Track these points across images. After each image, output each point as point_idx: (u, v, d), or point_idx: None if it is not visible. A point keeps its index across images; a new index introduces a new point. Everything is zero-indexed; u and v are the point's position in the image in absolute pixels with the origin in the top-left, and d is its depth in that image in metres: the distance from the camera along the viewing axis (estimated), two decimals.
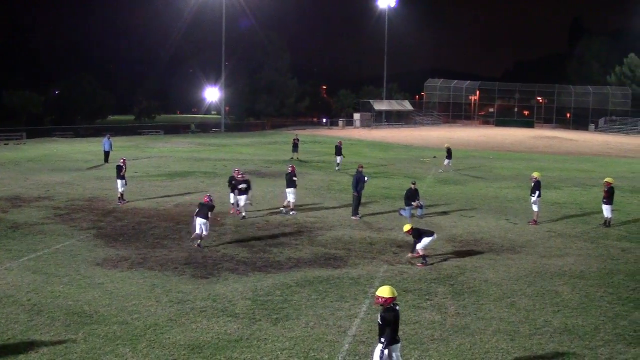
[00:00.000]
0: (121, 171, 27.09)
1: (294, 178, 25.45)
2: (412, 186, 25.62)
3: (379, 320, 9.91)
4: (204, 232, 19.79)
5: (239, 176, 24.89)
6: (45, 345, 11.96)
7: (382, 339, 9.81)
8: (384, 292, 9.96)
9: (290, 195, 25.38)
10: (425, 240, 18.37)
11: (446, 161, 41.57)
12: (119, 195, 27.09)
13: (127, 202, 26.88)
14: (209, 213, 19.90)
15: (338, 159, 42.08)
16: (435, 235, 18.83)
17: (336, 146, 42.93)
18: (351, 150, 54.37)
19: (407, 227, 18.70)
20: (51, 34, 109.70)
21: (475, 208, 27.52)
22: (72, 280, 15.96)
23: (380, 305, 9.97)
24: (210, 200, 20.45)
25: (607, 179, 24.96)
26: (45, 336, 12.40)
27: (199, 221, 19.69)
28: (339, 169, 40.95)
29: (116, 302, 14.41)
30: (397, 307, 10.06)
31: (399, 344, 10.08)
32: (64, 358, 11.44)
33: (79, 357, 11.50)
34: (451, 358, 11.74)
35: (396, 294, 10.07)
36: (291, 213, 25.14)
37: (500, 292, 15.77)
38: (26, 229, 21.56)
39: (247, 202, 24.57)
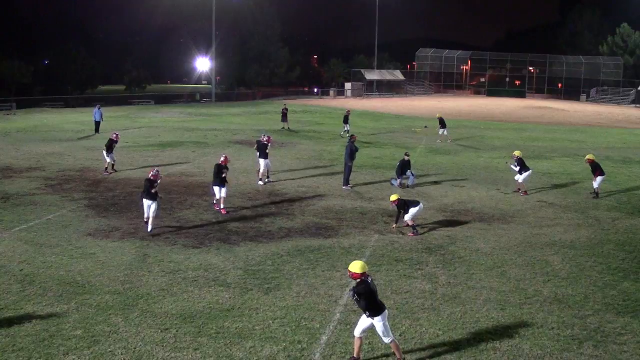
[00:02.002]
0: (111, 144, 26.98)
1: (267, 150, 25.30)
2: (406, 157, 25.59)
3: (355, 295, 10.20)
4: (151, 214, 17.85)
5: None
6: (37, 316, 11.99)
7: (367, 312, 10.14)
8: (355, 267, 10.24)
9: (262, 164, 25.27)
10: (412, 211, 18.40)
11: (441, 131, 41.56)
12: (106, 166, 27.02)
13: (109, 174, 26.75)
14: (154, 191, 17.82)
15: (346, 127, 43.39)
16: (421, 205, 18.88)
17: (345, 115, 44.61)
18: (342, 121, 54.20)
19: (394, 197, 18.74)
20: (39, 3, 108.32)
21: (466, 178, 27.58)
22: (64, 251, 15.95)
23: (353, 279, 10.28)
24: (156, 176, 18.11)
25: (588, 156, 25.00)
26: (38, 306, 12.42)
27: (146, 203, 17.99)
28: (342, 136, 41.97)
29: (108, 272, 14.42)
30: (370, 279, 10.28)
31: (385, 312, 10.27)
32: (56, 328, 11.47)
33: (72, 326, 11.54)
34: (442, 327, 11.84)
35: (367, 268, 10.31)
36: (259, 183, 25.17)
37: (491, 261, 15.87)
38: (17, 200, 21.48)
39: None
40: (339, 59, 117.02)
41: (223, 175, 20.15)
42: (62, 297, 12.93)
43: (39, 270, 14.51)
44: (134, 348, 10.80)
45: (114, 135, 27.94)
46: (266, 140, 25.65)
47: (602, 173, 24.25)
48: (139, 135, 41.18)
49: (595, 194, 24.26)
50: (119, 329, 11.51)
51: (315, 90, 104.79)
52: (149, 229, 17.78)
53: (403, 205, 18.52)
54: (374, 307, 10.19)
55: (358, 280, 10.23)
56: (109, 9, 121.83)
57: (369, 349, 10.94)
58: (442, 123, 41.52)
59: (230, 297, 13.09)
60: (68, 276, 14.14)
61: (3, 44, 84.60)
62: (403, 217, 18.57)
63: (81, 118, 51.90)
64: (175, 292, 13.29)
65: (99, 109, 43.10)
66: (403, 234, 18.29)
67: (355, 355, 10.52)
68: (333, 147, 36.75)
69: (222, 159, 20.78)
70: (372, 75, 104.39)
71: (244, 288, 13.63)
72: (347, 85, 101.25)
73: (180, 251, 16.14)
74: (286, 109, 49.02)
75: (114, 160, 27.34)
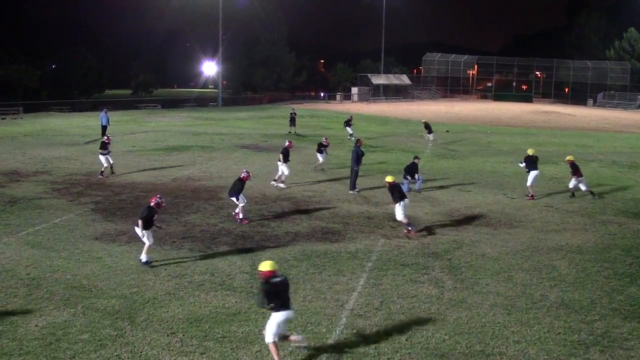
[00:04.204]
0: (105, 147, 27.20)
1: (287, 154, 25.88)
2: (415, 161, 25.48)
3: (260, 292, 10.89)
4: (148, 242, 15.46)
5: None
6: (44, 319, 12.02)
7: (270, 305, 10.60)
8: (263, 267, 10.75)
9: (280, 168, 25.64)
10: (398, 207, 18.72)
11: (428, 136, 42.75)
12: (102, 170, 27.17)
13: (106, 177, 26.88)
14: (140, 222, 15.28)
15: (349, 129, 44.26)
16: (407, 200, 19.16)
17: (347, 120, 45.70)
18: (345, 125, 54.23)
19: (390, 178, 19.33)
20: (47, 7, 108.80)
21: (473, 183, 27.54)
22: (71, 255, 15.99)
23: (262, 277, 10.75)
24: (159, 204, 15.71)
25: (568, 157, 25.23)
26: (44, 310, 12.46)
27: (139, 231, 15.48)
28: (349, 139, 42.60)
29: (115, 276, 14.45)
30: (278, 279, 10.67)
31: (287, 313, 10.60)
32: (63, 332, 11.50)
33: (78, 330, 11.57)
34: (448, 332, 11.82)
35: (276, 267, 10.74)
36: (274, 184, 25.54)
37: (498, 266, 15.84)
38: (24, 204, 21.55)
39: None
40: (346, 64, 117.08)
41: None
42: (68, 301, 12.97)
43: (46, 274, 14.55)
44: (141, 352, 10.82)
45: (106, 138, 28.35)
46: (288, 145, 26.42)
47: (580, 175, 24.44)
48: (145, 140, 41.28)
49: (572, 194, 24.68)
50: (125, 333, 11.53)
51: (322, 94, 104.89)
52: (143, 258, 15.39)
53: (394, 190, 19.02)
54: (277, 304, 10.56)
55: (264, 279, 10.65)
56: (116, 14, 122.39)
57: (375, 353, 10.93)
58: (428, 128, 42.85)
59: (236, 302, 13.09)
60: (75, 280, 14.18)
61: (10, 48, 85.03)
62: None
63: (88, 122, 52.09)
64: (181, 297, 13.31)
65: (105, 113, 43.24)
66: (410, 238, 18.27)
67: None
68: (340, 151, 36.75)
69: (243, 174, 20.24)
70: (378, 79, 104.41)
71: (251, 292, 13.63)
72: (354, 90, 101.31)
73: (186, 255, 16.16)
74: (295, 114, 49.09)
75: (111, 163, 27.50)
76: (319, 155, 29.94)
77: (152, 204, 15.54)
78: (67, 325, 11.77)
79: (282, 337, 10.74)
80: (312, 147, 38.81)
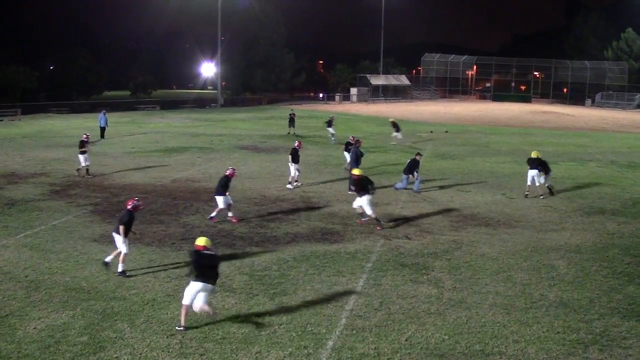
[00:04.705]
0: (84, 146, 27.33)
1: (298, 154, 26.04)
2: (417, 157, 25.41)
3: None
4: (123, 251, 14.75)
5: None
6: (43, 322, 12.02)
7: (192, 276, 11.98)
8: (198, 241, 12.29)
9: (292, 169, 25.76)
10: (364, 200, 19.16)
11: (395, 134, 42.87)
12: (79, 168, 27.45)
13: (94, 176, 27.09)
14: (121, 228, 14.63)
15: (331, 129, 43.85)
16: (373, 194, 19.61)
17: (329, 120, 44.98)
18: (348, 125, 54.31)
19: (356, 172, 19.92)
20: (45, 8, 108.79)
21: (472, 183, 27.55)
22: (69, 257, 15.98)
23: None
24: (135, 207, 15.12)
25: (533, 153, 25.38)
26: (43, 312, 12.45)
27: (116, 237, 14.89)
28: (333, 140, 42.49)
29: (114, 278, 14.44)
30: (205, 253, 12.12)
31: (202, 284, 11.75)
32: (62, 334, 11.50)
33: (77, 333, 11.56)
34: (448, 331, 11.83)
35: (209, 244, 12.39)
36: (287, 186, 25.50)
37: (497, 266, 15.85)
38: (22, 206, 21.54)
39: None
40: (345, 64, 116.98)
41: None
42: (67, 303, 12.96)
43: (45, 276, 14.55)
44: (140, 354, 10.81)
45: (85, 136, 28.49)
46: (297, 146, 26.43)
47: (548, 170, 24.83)
48: (144, 141, 41.28)
49: (550, 192, 25.09)
50: (124, 335, 11.53)
51: (321, 95, 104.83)
52: (120, 268, 14.78)
53: (363, 184, 19.35)
54: (198, 275, 11.83)
55: (195, 250, 12.16)
56: (115, 15, 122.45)
57: (375, 353, 10.93)
58: (396, 127, 42.98)
59: (236, 303, 13.09)
60: (73, 282, 14.17)
61: (9, 49, 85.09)
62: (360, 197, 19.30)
63: (86, 124, 52.00)
64: (181, 298, 13.28)
65: (104, 114, 43.25)
66: (409, 238, 18.28)
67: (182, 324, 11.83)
68: (339, 152, 36.71)
69: (229, 171, 20.37)
70: (377, 80, 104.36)
71: (250, 293, 13.63)
72: (353, 91, 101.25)
73: (186, 257, 16.13)
74: (294, 114, 49.11)
75: (88, 163, 27.54)
76: (346, 154, 29.87)
77: (129, 208, 14.95)
78: (66, 328, 11.77)
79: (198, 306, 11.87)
80: (312, 147, 38.89)
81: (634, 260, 16.56)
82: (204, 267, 11.92)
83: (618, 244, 18.20)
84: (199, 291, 11.75)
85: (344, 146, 30.62)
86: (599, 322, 12.44)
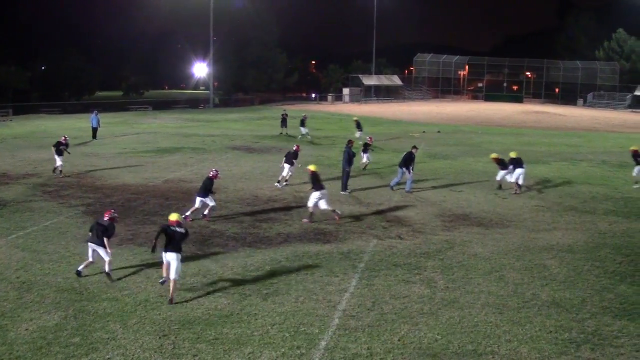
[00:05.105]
0: (59, 147, 27.72)
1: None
2: (413, 150, 25.43)
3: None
4: (105, 258, 14.49)
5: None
6: (35, 323, 11.97)
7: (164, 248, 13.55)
8: (172, 216, 13.94)
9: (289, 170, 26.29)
10: (316, 194, 19.79)
11: (357, 133, 42.96)
12: (55, 166, 27.67)
13: (67, 176, 27.25)
14: (107, 241, 14.43)
15: (303, 129, 44.49)
16: (325, 190, 20.16)
17: (301, 119, 45.61)
18: (340, 126, 54.33)
19: (312, 167, 20.44)
20: (36, 8, 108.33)
21: (465, 183, 27.61)
22: (62, 257, 15.93)
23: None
24: (112, 219, 14.82)
25: (492, 155, 27.03)
26: (35, 314, 12.41)
27: (91, 247, 14.57)
28: (301, 138, 43.10)
29: (106, 279, 14.39)
30: (176, 229, 13.59)
31: (169, 254, 13.39)
32: (54, 335, 11.46)
33: (69, 334, 11.52)
34: (441, 331, 11.84)
35: (181, 220, 13.96)
36: (276, 184, 26.05)
37: (489, 266, 15.88)
38: (14, 207, 21.45)
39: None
40: (337, 65, 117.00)
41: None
42: (59, 304, 12.92)
43: (37, 277, 14.49)
44: (133, 355, 10.79)
45: (63, 138, 28.83)
46: (296, 149, 27.16)
47: (505, 167, 25.88)
48: (136, 142, 41.18)
49: (500, 186, 26.10)
50: (117, 335, 11.50)
51: (313, 95, 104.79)
52: (80, 268, 14.66)
53: (315, 180, 19.97)
54: (168, 246, 13.43)
55: (168, 225, 13.69)
56: (107, 16, 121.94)
57: (368, 353, 10.94)
58: (359, 126, 43.28)
59: (228, 303, 13.08)
60: (66, 283, 14.12)
61: (0, 49, 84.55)
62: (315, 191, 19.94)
63: (78, 124, 51.88)
64: (173, 299, 13.27)
65: (96, 115, 43.13)
66: (401, 238, 18.30)
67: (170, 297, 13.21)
68: (331, 152, 36.77)
69: (212, 173, 20.59)
70: (370, 80, 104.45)
71: (243, 294, 13.62)
72: (345, 91, 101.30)
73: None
74: (286, 115, 49.11)
75: (61, 164, 27.78)
76: (363, 154, 30.69)
77: (110, 219, 14.67)
78: (58, 329, 11.73)
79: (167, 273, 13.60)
80: (304, 148, 38.82)
81: (626, 260, 16.63)
82: (174, 241, 13.49)
83: (610, 243, 18.27)
84: (169, 260, 13.41)
85: (362, 147, 31.17)
86: (591, 321, 12.48)
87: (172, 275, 13.23)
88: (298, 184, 26.26)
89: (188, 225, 19.26)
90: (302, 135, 44.09)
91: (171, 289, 13.19)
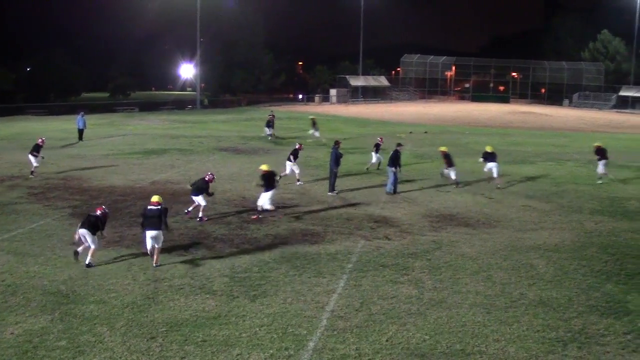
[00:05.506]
0: (37, 149, 27.93)
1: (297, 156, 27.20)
2: (398, 148, 25.54)
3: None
4: (92, 246, 15.51)
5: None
6: (20, 327, 11.88)
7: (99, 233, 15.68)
8: (152, 199, 16.00)
9: (289, 168, 26.98)
10: (268, 194, 20.19)
11: (313, 132, 44.09)
12: (32, 169, 27.72)
13: (36, 176, 27.31)
14: (98, 231, 15.65)
15: (268, 130, 45.10)
16: (275, 190, 20.80)
17: (268, 119, 46.12)
18: (327, 127, 54.28)
19: (264, 167, 20.71)
20: (21, 9, 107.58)
21: (452, 183, 27.65)
22: (48, 260, 15.83)
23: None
24: (104, 214, 15.97)
25: (441, 148, 27.49)
26: (21, 317, 12.31)
27: (81, 233, 15.46)
28: (270, 138, 44.36)
29: (93, 281, 14.33)
30: (152, 207, 15.63)
31: (150, 231, 15.40)
32: (40, 339, 11.37)
33: (56, 337, 11.45)
34: (429, 331, 11.87)
35: (161, 201, 16.04)
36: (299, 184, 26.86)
37: (477, 266, 15.93)
38: None
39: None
40: (324, 66, 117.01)
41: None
42: (45, 307, 12.83)
43: (22, 280, 14.39)
44: (120, 358, 10.73)
45: (41, 140, 29.01)
46: (298, 148, 27.53)
47: (451, 164, 26.72)
48: (123, 143, 41.00)
49: (456, 183, 26.83)
50: (104, 338, 11.43)
51: (300, 96, 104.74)
52: (88, 261, 15.51)
53: (268, 180, 20.27)
54: (146, 225, 15.50)
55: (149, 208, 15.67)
56: (93, 17, 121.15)
57: (356, 354, 10.94)
58: (315, 125, 44.29)
59: (216, 305, 13.04)
60: (52, 286, 14.03)
61: None
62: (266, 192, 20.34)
63: (64, 126, 51.56)
64: (161, 301, 13.22)
65: (82, 116, 42.87)
66: (389, 239, 18.32)
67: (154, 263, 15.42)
68: (318, 153, 36.76)
69: (208, 176, 20.97)
70: (357, 81, 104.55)
71: (230, 295, 13.59)
72: (332, 92, 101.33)
73: (165, 259, 16.05)
74: (273, 116, 49.04)
75: (37, 165, 27.86)
76: (374, 154, 31.04)
77: (99, 213, 15.86)
78: (44, 332, 11.64)
79: (152, 251, 15.61)
80: (291, 149, 38.77)
81: (612, 259, 16.74)
82: (149, 218, 15.48)
83: (596, 242, 18.38)
84: (149, 237, 15.38)
85: (374, 148, 31.34)
86: (578, 320, 12.55)
87: (156, 245, 15.46)
88: (286, 184, 26.24)
89: (192, 227, 19.24)
90: (266, 135, 44.75)
91: (155, 255, 15.45)
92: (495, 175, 27.02)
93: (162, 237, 15.63)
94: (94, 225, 15.46)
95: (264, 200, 20.39)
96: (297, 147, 27.74)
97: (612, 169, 30.37)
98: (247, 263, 15.84)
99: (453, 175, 26.70)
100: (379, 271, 15.38)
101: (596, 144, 29.96)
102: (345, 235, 18.75)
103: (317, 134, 44.14)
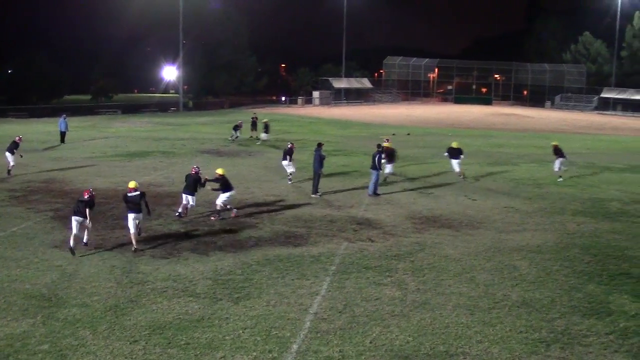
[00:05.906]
0: (15, 147, 28.40)
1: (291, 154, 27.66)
2: (378, 149, 25.42)
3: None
4: (89, 225, 17.09)
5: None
6: (2, 331, 11.77)
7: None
8: (130, 185, 17.40)
9: (289, 167, 27.60)
10: (225, 195, 20.38)
11: (264, 135, 44.48)
12: (9, 169, 28.11)
13: (13, 176, 27.64)
14: (87, 211, 16.69)
15: (236, 133, 45.34)
16: (234, 191, 21.22)
17: (235, 125, 46.38)
18: (310, 129, 54.36)
19: (220, 170, 20.83)
20: (2, 10, 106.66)
21: (435, 185, 27.78)
22: (30, 263, 15.69)
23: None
24: (91, 196, 17.10)
25: (385, 144, 27.99)
26: (2, 321, 12.19)
27: (76, 219, 16.67)
28: (231, 140, 44.75)
29: (75, 285, 14.23)
30: (132, 194, 17.10)
31: (134, 214, 16.95)
32: (22, 343, 11.27)
33: (38, 341, 11.35)
34: (412, 333, 11.89)
35: (137, 186, 17.43)
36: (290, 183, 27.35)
37: (460, 267, 15.99)
38: None
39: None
40: (307, 68, 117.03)
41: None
42: (27, 311, 12.72)
43: (3, 284, 14.25)
44: None
45: (18, 138, 29.50)
46: (290, 147, 28.07)
47: (392, 160, 27.96)
48: (105, 146, 40.76)
49: (385, 179, 27.67)
50: (87, 342, 11.35)
51: (283, 99, 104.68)
52: (85, 240, 17.21)
53: (224, 185, 20.42)
54: (129, 209, 17.03)
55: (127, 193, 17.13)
56: (75, 19, 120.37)
57: (340, 356, 10.94)
58: (266, 128, 44.80)
59: (199, 308, 12.99)
60: (34, 289, 13.91)
61: None
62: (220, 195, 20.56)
63: (46, 128, 51.19)
64: (144, 304, 13.15)
65: (64, 119, 42.63)
66: (372, 241, 18.34)
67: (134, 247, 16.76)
68: (301, 155, 36.69)
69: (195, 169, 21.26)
70: (340, 83, 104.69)
71: (214, 298, 13.54)
72: (315, 94, 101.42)
73: (148, 262, 15.98)
74: (256, 118, 49.04)
75: (13, 164, 28.23)
76: (284, 162, 30.40)
77: (86, 197, 17.02)
78: (25, 336, 11.54)
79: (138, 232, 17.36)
80: (274, 151, 38.81)
81: (594, 260, 16.87)
82: (130, 203, 16.99)
83: (578, 243, 18.51)
84: (132, 219, 16.85)
85: (386, 157, 31.62)
86: (560, 320, 12.63)
87: (132, 230, 16.95)
88: (269, 187, 26.22)
89: (174, 230, 19.17)
90: (231, 137, 45.20)
91: (133, 240, 16.91)
92: (457, 170, 29.16)
93: (142, 218, 17.42)
94: (85, 208, 16.75)
95: (221, 199, 20.56)
96: (289, 146, 27.95)
97: (594, 170, 30.64)
98: (231, 265, 15.80)
99: (389, 170, 28.20)
100: (362, 273, 15.39)
101: (553, 143, 31.31)
102: (329, 237, 18.76)
103: (267, 137, 44.47)
